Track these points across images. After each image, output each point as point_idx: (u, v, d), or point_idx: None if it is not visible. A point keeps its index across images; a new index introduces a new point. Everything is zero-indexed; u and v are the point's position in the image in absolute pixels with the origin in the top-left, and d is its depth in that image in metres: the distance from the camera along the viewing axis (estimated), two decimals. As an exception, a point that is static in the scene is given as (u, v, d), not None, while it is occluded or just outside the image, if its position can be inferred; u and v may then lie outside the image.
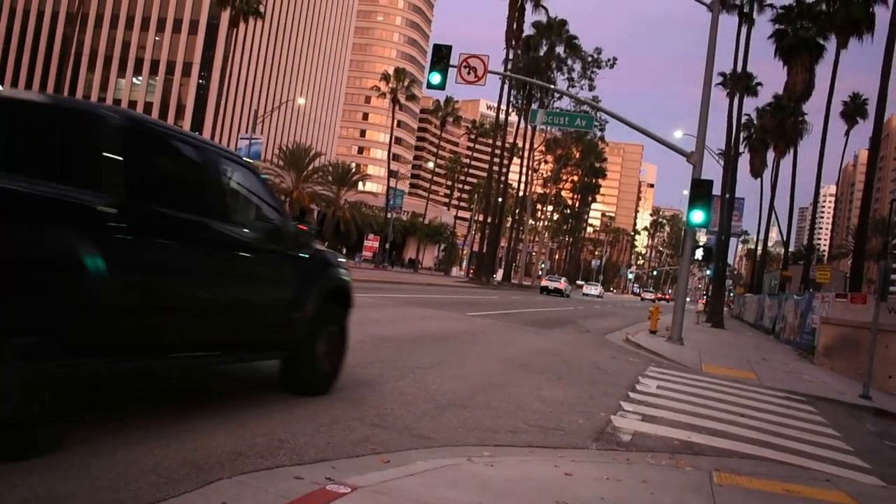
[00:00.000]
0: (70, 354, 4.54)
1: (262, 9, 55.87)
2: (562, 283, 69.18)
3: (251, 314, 6.54)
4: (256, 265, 6.62)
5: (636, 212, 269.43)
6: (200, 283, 5.86)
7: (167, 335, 5.57)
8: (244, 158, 7.33)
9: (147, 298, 5.27)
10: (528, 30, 70.88)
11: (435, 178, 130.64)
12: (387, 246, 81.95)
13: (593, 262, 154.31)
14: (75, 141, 5.20)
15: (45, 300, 4.39)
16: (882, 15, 41.16)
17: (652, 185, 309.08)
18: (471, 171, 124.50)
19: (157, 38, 76.52)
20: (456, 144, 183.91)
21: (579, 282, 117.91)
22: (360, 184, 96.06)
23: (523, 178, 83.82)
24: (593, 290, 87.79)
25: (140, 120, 5.66)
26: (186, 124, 74.81)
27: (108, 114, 5.36)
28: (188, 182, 6.08)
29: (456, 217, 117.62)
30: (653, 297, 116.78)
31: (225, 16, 62.07)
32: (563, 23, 73.73)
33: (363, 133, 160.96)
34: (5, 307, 4.18)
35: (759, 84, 59.07)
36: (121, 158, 5.14)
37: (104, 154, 5.11)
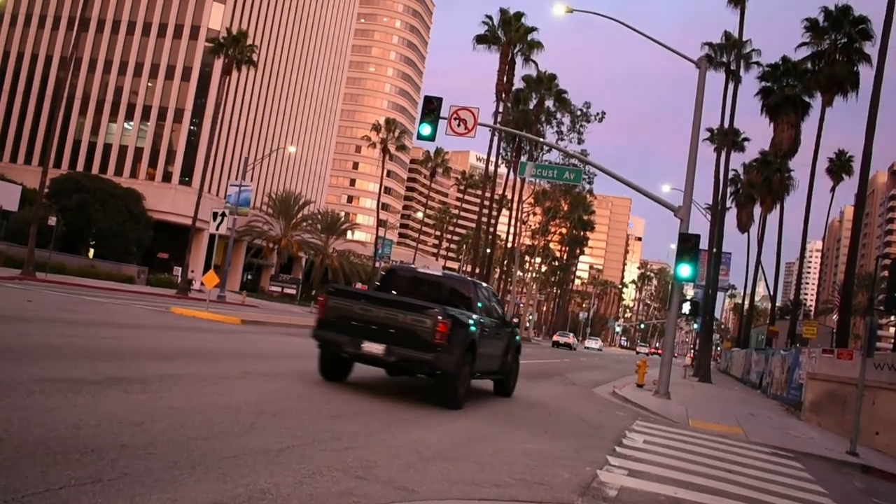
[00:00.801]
0: (472, 375, 12.83)
1: (255, 58, 56.28)
2: (570, 339, 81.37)
3: (498, 357, 14.76)
4: (501, 334, 14.90)
5: (624, 265, 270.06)
6: (490, 343, 13.77)
7: (482, 367, 13.36)
8: (480, 283, 15.45)
9: (483, 351, 12.99)
10: (517, 83, 71.63)
11: (424, 229, 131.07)
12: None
13: (581, 315, 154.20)
14: (462, 293, 13.76)
15: (470, 355, 12.21)
16: (866, 74, 41.80)
17: (640, 239, 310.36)
18: (459, 221, 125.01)
19: (149, 84, 76.78)
20: (445, 195, 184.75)
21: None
22: (349, 233, 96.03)
23: (512, 230, 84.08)
24: (594, 343, 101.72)
25: (478, 282, 14.83)
26: (176, 170, 74.87)
27: (472, 280, 14.97)
28: (486, 302, 14.41)
29: (444, 267, 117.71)
30: (647, 350, 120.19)
31: (218, 64, 62.42)
32: (553, 77, 74.49)
33: (353, 182, 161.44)
34: (466, 357, 12.06)
35: (746, 139, 59.84)
36: (473, 295, 13.67)
37: (471, 297, 13.61)
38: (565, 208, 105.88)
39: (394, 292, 13.74)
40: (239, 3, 79.29)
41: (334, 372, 13.02)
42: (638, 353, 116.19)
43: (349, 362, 13.06)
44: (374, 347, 11.59)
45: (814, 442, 16.28)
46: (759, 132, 57.94)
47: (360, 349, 11.72)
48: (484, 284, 15.52)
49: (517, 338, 16.34)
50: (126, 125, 77.11)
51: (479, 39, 67.23)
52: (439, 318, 11.43)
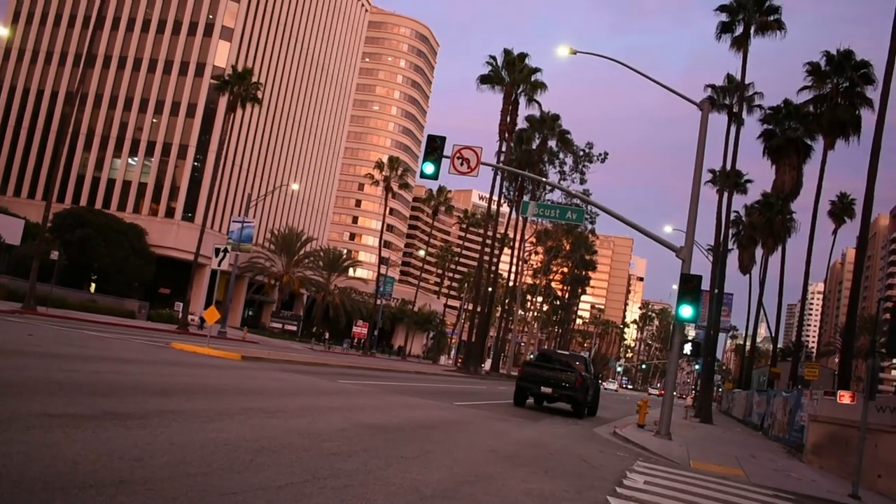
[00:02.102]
0: (587, 401, 27.10)
1: (259, 95, 56.64)
2: None
3: (593, 395, 28.90)
4: (594, 383, 29.89)
5: (625, 305, 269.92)
6: (592, 387, 28.26)
7: (588, 400, 27.53)
8: (586, 356, 32.64)
9: (590, 392, 27.48)
10: (521, 123, 72.02)
11: (426, 267, 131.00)
12: (375, 332, 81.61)
13: (582, 355, 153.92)
14: (578, 362, 28.57)
15: (586, 394, 26.57)
16: (868, 118, 41.99)
17: (641, 279, 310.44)
18: (461, 260, 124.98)
19: (154, 120, 77.33)
20: (447, 233, 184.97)
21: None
22: (351, 270, 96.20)
23: (513, 269, 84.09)
24: (611, 385, 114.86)
25: (586, 356, 31.71)
26: (180, 206, 75.21)
27: (584, 355, 32.19)
28: (589, 366, 28.78)
29: (445, 305, 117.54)
30: (658, 392, 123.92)
31: (223, 101, 62.99)
32: (556, 117, 74.91)
33: (355, 220, 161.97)
34: (586, 395, 26.67)
35: (749, 181, 60.02)
36: (585, 364, 28.55)
37: (583, 364, 28.36)
38: (567, 248, 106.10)
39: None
40: (245, 40, 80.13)
41: (522, 401, 26.67)
42: (650, 393, 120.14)
43: (528, 397, 26.62)
44: (546, 389, 25.28)
45: (815, 484, 16.16)
46: (761, 174, 58.63)
47: (540, 390, 25.50)
48: (587, 356, 31.71)
49: (599, 384, 34.10)
50: (130, 161, 77.59)
51: (483, 79, 67.66)
52: (577, 375, 25.36)
